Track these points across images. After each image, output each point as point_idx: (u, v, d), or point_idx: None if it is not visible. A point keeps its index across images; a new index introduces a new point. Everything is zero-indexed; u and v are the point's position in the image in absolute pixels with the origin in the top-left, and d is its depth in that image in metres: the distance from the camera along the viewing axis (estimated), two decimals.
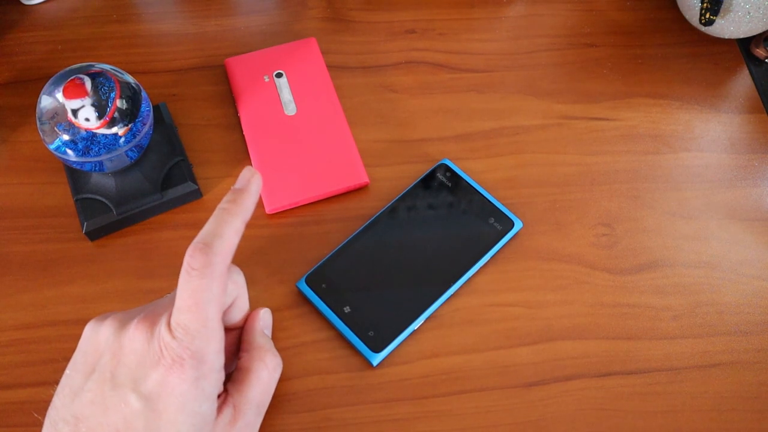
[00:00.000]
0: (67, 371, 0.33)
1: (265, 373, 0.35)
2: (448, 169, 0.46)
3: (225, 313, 0.36)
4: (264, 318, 0.38)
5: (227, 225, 0.33)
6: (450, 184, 0.46)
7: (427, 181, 0.46)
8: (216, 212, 0.33)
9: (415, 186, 0.46)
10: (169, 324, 0.31)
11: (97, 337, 0.33)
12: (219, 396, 0.33)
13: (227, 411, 0.33)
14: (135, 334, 0.32)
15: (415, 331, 0.41)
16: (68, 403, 0.32)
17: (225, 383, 0.34)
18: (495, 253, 0.44)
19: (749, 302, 0.43)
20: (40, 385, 0.39)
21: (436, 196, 0.45)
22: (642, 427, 0.39)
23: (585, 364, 0.41)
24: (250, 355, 0.36)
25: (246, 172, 0.35)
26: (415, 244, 0.43)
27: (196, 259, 0.31)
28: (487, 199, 0.45)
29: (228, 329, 0.37)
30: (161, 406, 0.30)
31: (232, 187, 0.34)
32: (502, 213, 0.44)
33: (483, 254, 0.43)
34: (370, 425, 0.39)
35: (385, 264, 0.42)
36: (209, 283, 0.31)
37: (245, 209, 0.34)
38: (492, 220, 0.44)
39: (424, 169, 0.47)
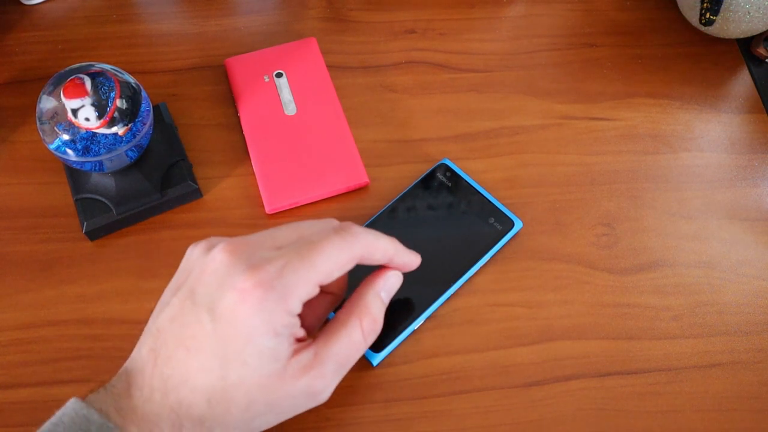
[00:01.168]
0: (165, 290, 0.34)
1: (357, 333, 0.33)
2: (448, 169, 0.46)
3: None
4: (389, 280, 0.36)
5: (385, 242, 0.35)
6: (450, 184, 0.46)
7: (427, 181, 0.46)
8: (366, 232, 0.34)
9: (415, 186, 0.46)
10: (270, 254, 0.31)
11: (190, 256, 0.33)
12: (300, 340, 0.32)
13: (306, 355, 0.32)
14: (221, 254, 0.31)
15: (415, 331, 0.41)
16: (155, 317, 0.32)
17: (318, 334, 0.33)
18: (495, 253, 0.44)
19: (749, 302, 0.43)
20: (40, 385, 0.39)
21: (436, 196, 0.45)
22: (642, 427, 0.39)
23: (585, 364, 0.41)
24: (351, 310, 0.34)
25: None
26: (415, 244, 0.43)
27: (349, 228, 0.33)
28: (487, 199, 0.45)
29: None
30: (230, 332, 0.30)
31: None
32: (502, 213, 0.44)
33: (483, 254, 0.43)
34: (370, 425, 0.39)
35: None
36: (344, 246, 0.32)
37: (399, 252, 0.36)
38: (492, 220, 0.44)
39: (424, 169, 0.47)
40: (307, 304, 0.33)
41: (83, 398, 0.30)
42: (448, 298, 0.42)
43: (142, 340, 0.32)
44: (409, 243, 0.43)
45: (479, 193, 0.45)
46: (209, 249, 0.33)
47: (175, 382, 0.30)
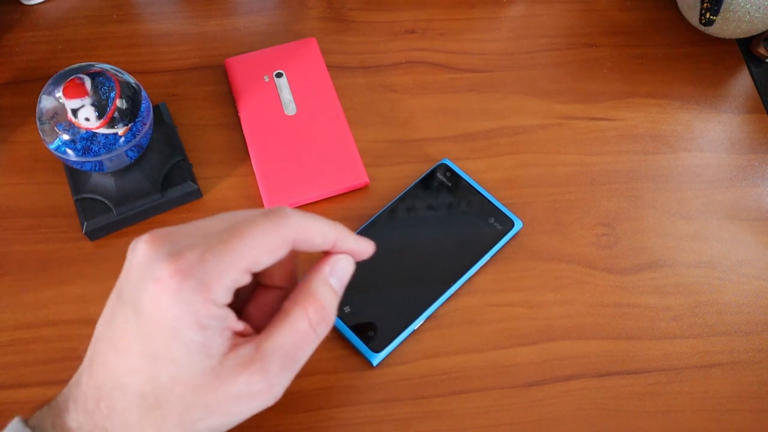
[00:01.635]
0: None
1: (303, 323, 0.30)
2: (448, 169, 0.46)
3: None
4: (338, 264, 0.32)
5: (323, 225, 0.31)
6: (450, 184, 0.46)
7: (427, 181, 0.46)
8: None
9: (415, 186, 0.46)
10: (192, 242, 0.28)
11: (127, 258, 0.30)
12: (241, 334, 0.30)
13: (245, 349, 0.29)
14: (143, 246, 0.29)
15: (415, 331, 0.41)
16: (97, 324, 0.30)
17: (252, 338, 0.30)
18: (495, 253, 0.44)
19: (749, 302, 0.43)
20: (40, 385, 0.39)
21: (436, 196, 0.45)
22: (642, 427, 0.39)
23: (585, 364, 0.41)
24: (296, 299, 0.31)
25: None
26: (415, 244, 0.43)
27: (280, 211, 0.30)
28: (487, 199, 0.45)
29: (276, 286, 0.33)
30: (154, 327, 0.27)
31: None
32: (502, 213, 0.44)
33: (483, 254, 0.43)
34: (370, 425, 0.39)
35: (385, 264, 0.42)
36: (272, 229, 0.29)
37: (341, 236, 0.32)
38: (492, 220, 0.44)
39: (424, 169, 0.47)
40: (253, 301, 0.32)
41: (29, 416, 0.29)
42: (448, 298, 0.42)
43: (88, 350, 0.30)
44: (409, 243, 0.43)
45: (479, 193, 0.45)
46: (136, 243, 0.29)
47: (108, 388, 0.28)
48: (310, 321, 0.30)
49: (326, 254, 0.32)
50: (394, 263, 0.42)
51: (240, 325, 0.30)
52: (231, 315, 0.29)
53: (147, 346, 0.28)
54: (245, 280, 0.29)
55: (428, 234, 0.44)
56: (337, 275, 0.32)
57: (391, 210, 0.45)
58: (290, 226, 0.30)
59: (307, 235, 0.30)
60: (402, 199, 0.45)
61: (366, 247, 0.33)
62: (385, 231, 0.44)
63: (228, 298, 0.28)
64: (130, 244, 0.30)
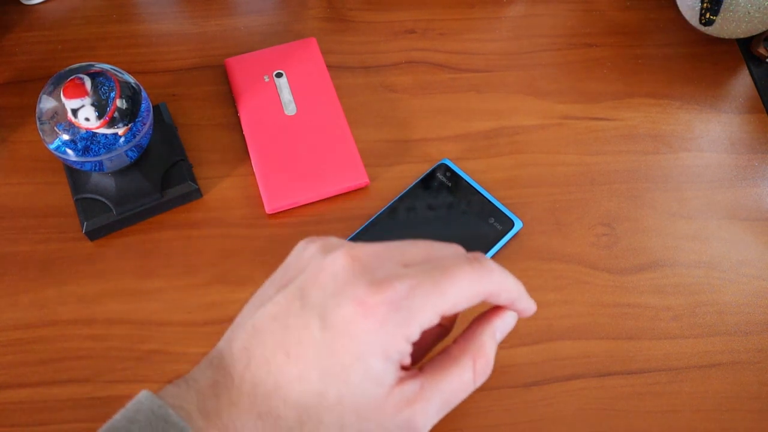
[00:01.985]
0: (265, 283, 0.31)
1: (468, 373, 0.30)
2: (448, 169, 0.46)
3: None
4: (506, 321, 0.33)
5: (514, 284, 0.31)
6: (450, 184, 0.46)
7: (427, 181, 0.46)
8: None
9: (415, 186, 0.46)
10: (399, 271, 0.28)
11: (303, 253, 0.30)
12: (404, 368, 0.29)
13: (411, 386, 0.29)
14: (343, 259, 0.28)
15: None
16: (251, 311, 0.30)
17: (424, 365, 0.31)
18: (495, 253, 0.43)
19: (749, 302, 0.43)
20: (40, 385, 0.39)
21: (436, 196, 0.45)
22: (642, 427, 0.39)
23: (585, 364, 0.41)
24: (465, 347, 0.31)
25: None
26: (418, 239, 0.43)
27: (483, 261, 0.30)
28: (487, 199, 0.45)
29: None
30: (341, 346, 0.27)
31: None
32: (502, 213, 0.44)
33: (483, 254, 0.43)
34: None
35: None
36: (476, 278, 0.29)
37: (524, 299, 0.32)
38: (492, 220, 0.44)
39: (424, 169, 0.47)
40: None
41: (158, 391, 0.28)
42: None
43: (232, 334, 0.29)
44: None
45: (479, 193, 0.45)
46: (328, 250, 0.29)
47: (268, 389, 0.28)
48: (475, 373, 0.31)
49: (496, 306, 0.33)
50: None
51: (408, 359, 0.30)
52: (410, 350, 0.29)
53: (326, 360, 0.27)
54: (437, 321, 0.29)
55: (428, 234, 0.44)
56: (502, 330, 0.33)
57: (391, 210, 0.45)
58: (493, 280, 0.30)
59: (501, 290, 0.31)
60: (402, 199, 0.45)
61: (532, 308, 0.33)
62: (385, 231, 0.44)
63: (418, 335, 0.28)
64: (302, 241, 0.31)
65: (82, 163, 0.39)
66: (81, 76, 0.38)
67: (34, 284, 0.42)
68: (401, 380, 0.29)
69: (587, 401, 0.40)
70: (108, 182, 0.43)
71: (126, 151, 0.40)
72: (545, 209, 0.46)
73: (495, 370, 0.40)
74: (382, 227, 0.44)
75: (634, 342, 0.42)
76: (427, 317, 0.28)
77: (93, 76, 0.39)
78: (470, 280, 0.29)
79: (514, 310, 0.33)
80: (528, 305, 0.33)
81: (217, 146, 0.48)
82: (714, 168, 0.49)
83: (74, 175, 0.44)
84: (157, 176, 0.44)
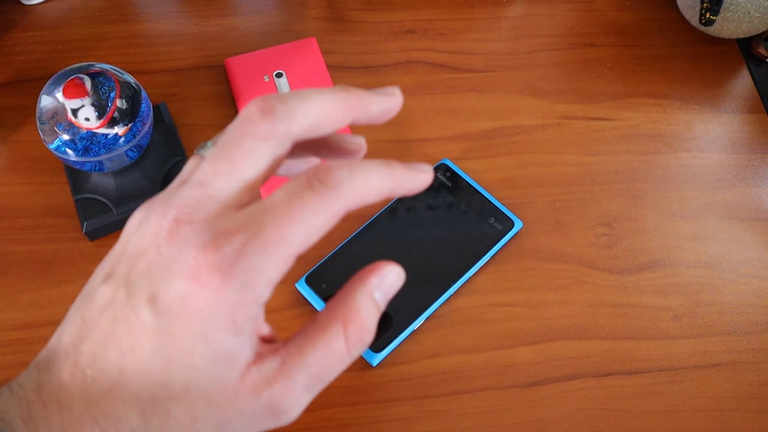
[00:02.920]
0: (96, 269, 0.27)
1: (339, 342, 0.25)
2: (448, 169, 0.46)
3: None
4: (386, 278, 0.27)
5: (379, 177, 0.25)
6: (450, 184, 0.46)
7: None
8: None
9: None
10: (226, 222, 0.24)
11: (129, 227, 0.26)
12: (265, 340, 0.26)
13: (270, 363, 0.25)
14: (167, 237, 0.24)
15: (415, 331, 0.41)
16: (81, 304, 0.26)
17: (289, 337, 0.26)
18: (495, 253, 0.44)
19: (749, 302, 0.43)
20: None
21: (436, 196, 0.45)
22: (642, 427, 0.39)
23: (585, 364, 0.41)
24: (335, 312, 0.26)
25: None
26: (415, 244, 0.43)
27: (332, 174, 0.24)
28: (487, 199, 0.45)
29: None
30: (178, 328, 0.23)
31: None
32: (502, 213, 0.44)
33: (483, 254, 0.43)
34: (370, 425, 0.39)
35: (389, 256, 0.42)
36: (324, 207, 0.24)
37: (399, 182, 0.26)
38: (492, 220, 0.44)
39: None
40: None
41: None
42: (448, 298, 0.42)
43: (62, 329, 0.25)
44: (409, 243, 0.43)
45: (479, 193, 0.45)
46: (147, 216, 0.25)
47: (102, 389, 0.24)
48: (347, 340, 0.25)
49: (375, 264, 0.27)
50: (399, 252, 0.42)
51: (266, 329, 0.26)
52: (262, 314, 0.25)
53: (164, 347, 0.24)
54: (290, 266, 0.24)
55: (428, 234, 0.44)
56: (384, 290, 0.27)
57: (391, 210, 0.45)
58: (344, 197, 0.24)
59: (362, 198, 0.25)
60: (402, 199, 0.45)
61: (424, 178, 0.28)
62: (385, 231, 0.44)
63: (269, 294, 0.24)
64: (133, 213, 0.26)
65: (82, 163, 0.39)
66: (81, 76, 0.38)
67: (34, 284, 0.42)
68: (259, 356, 0.25)
69: (587, 401, 0.40)
70: (108, 182, 0.43)
71: (126, 151, 0.40)
72: (545, 209, 0.46)
73: (495, 370, 0.40)
74: (382, 227, 0.44)
75: (634, 342, 0.42)
76: (275, 271, 0.23)
77: (93, 76, 0.39)
78: (314, 211, 0.23)
79: (401, 195, 0.27)
80: (415, 183, 0.27)
81: None
82: (714, 168, 0.49)
83: (74, 175, 0.44)
84: (157, 176, 0.44)
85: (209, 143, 0.27)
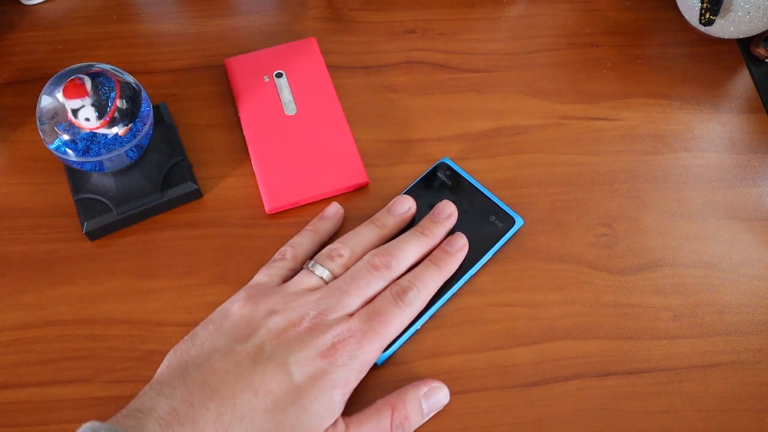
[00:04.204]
0: (208, 324, 0.37)
1: (386, 422, 0.36)
2: (448, 168, 0.46)
3: None
4: (435, 394, 0.38)
5: (438, 279, 0.41)
6: (450, 183, 0.46)
7: (428, 181, 0.46)
8: (436, 265, 0.41)
9: (416, 185, 0.46)
10: (348, 321, 0.36)
11: (253, 309, 0.37)
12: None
13: (341, 425, 0.35)
14: (310, 327, 0.36)
15: (416, 330, 0.41)
16: (203, 348, 0.35)
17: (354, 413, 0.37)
18: (496, 251, 0.43)
19: (749, 302, 0.43)
20: (40, 385, 0.39)
21: (437, 195, 0.45)
22: (642, 427, 0.39)
23: (585, 364, 0.41)
24: (389, 400, 0.37)
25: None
26: None
27: (408, 296, 0.38)
28: (487, 196, 0.45)
29: None
30: (308, 386, 0.34)
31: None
32: (503, 210, 0.44)
33: (485, 252, 0.43)
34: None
35: None
36: (406, 317, 0.38)
37: (447, 275, 0.41)
38: (493, 218, 0.44)
39: (424, 169, 0.47)
40: None
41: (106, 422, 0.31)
42: (450, 298, 0.42)
43: (184, 372, 0.34)
44: None
45: (479, 191, 0.45)
46: (286, 310, 0.37)
47: (233, 420, 0.32)
48: (392, 422, 0.36)
49: (428, 380, 0.39)
50: None
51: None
52: None
53: (293, 397, 0.34)
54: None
55: None
56: (430, 402, 0.38)
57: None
58: (417, 308, 0.39)
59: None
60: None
61: (462, 256, 0.43)
62: None
63: (364, 375, 0.37)
64: (238, 304, 0.38)
65: (82, 163, 0.39)
66: (81, 76, 0.38)
67: (34, 284, 0.42)
68: (334, 423, 0.35)
69: (587, 401, 0.40)
70: (108, 182, 0.43)
71: (126, 151, 0.40)
72: (545, 209, 0.46)
73: (495, 370, 0.40)
74: None
75: (634, 342, 0.42)
76: (374, 357, 0.37)
77: (93, 76, 0.39)
78: (400, 320, 0.38)
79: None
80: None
81: (217, 146, 0.48)
82: (714, 168, 0.49)
83: (74, 175, 0.44)
84: (157, 176, 0.44)
85: (321, 267, 0.40)
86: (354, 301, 0.38)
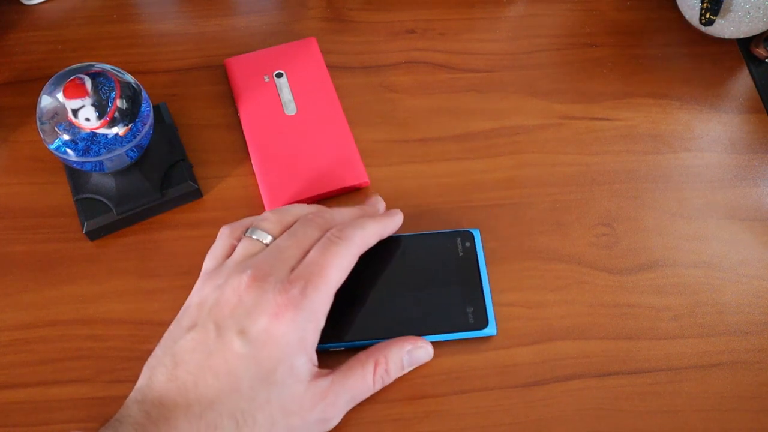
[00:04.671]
0: (171, 326, 0.35)
1: (369, 378, 0.37)
2: (470, 239, 0.43)
3: None
4: (417, 352, 0.39)
5: (373, 227, 0.38)
6: (461, 254, 0.43)
7: (445, 237, 0.43)
8: (368, 216, 0.40)
9: (432, 235, 0.43)
10: (288, 277, 0.34)
11: (201, 292, 0.36)
12: (319, 366, 0.35)
13: (323, 382, 0.34)
14: (248, 289, 0.34)
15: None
16: (167, 349, 0.34)
17: (327, 372, 0.36)
18: (449, 340, 0.41)
19: (749, 302, 0.43)
20: (40, 385, 0.39)
21: (441, 253, 0.43)
22: (642, 427, 0.39)
23: (585, 364, 0.41)
24: (372, 353, 0.37)
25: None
26: (395, 280, 0.41)
27: (344, 232, 0.36)
28: (482, 291, 0.41)
29: None
30: (264, 353, 0.32)
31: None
32: (485, 312, 0.41)
33: (439, 332, 0.40)
34: (370, 425, 0.39)
35: (364, 279, 0.41)
36: (346, 253, 0.36)
37: (386, 227, 0.40)
38: (470, 311, 0.41)
39: (424, 169, 0.47)
40: None
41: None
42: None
43: (151, 373, 0.33)
44: (393, 276, 0.41)
45: (480, 283, 0.42)
46: (224, 280, 0.35)
47: (203, 408, 0.32)
48: (374, 377, 0.37)
49: (414, 337, 0.39)
50: (370, 281, 0.41)
51: (315, 359, 0.36)
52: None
53: (253, 369, 0.32)
54: (332, 300, 0.36)
55: (412, 279, 0.42)
56: (412, 357, 0.38)
57: (397, 239, 0.43)
58: (356, 245, 0.37)
59: (366, 245, 0.38)
60: (413, 237, 0.43)
61: (399, 219, 0.42)
62: (381, 252, 0.42)
63: (324, 322, 0.35)
64: (199, 282, 0.37)
65: (83, 163, 0.40)
66: (81, 76, 0.38)
67: (34, 284, 0.42)
68: (315, 376, 0.34)
69: (587, 401, 0.40)
70: (108, 182, 0.43)
71: (126, 151, 0.40)
72: (545, 209, 0.46)
73: (495, 370, 0.40)
74: (380, 246, 0.41)
75: (634, 342, 0.42)
76: (326, 304, 0.35)
77: (93, 76, 0.39)
78: (341, 257, 0.36)
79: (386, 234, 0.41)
80: (393, 226, 0.41)
81: (217, 146, 0.48)
82: (714, 168, 0.49)
83: (74, 175, 0.44)
84: (157, 176, 0.44)
85: (259, 231, 0.38)
86: (293, 253, 0.36)
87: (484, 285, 0.42)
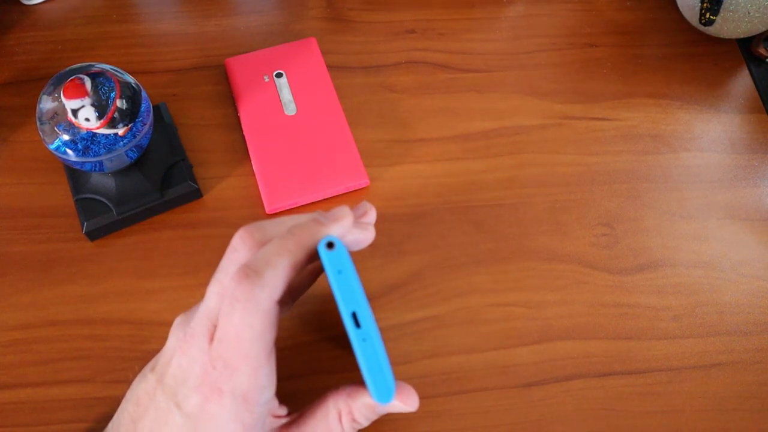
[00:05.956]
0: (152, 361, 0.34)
1: (334, 419, 0.32)
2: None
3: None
4: (358, 402, 0.33)
5: (285, 255, 0.29)
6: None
7: None
8: (280, 236, 0.29)
9: None
10: (209, 349, 0.29)
11: (170, 339, 0.32)
12: (278, 418, 0.32)
13: None
14: (183, 347, 0.30)
15: (415, 331, 0.41)
16: (134, 386, 0.32)
17: (289, 423, 0.32)
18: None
19: (749, 302, 0.43)
20: (40, 385, 0.39)
21: None
22: (642, 427, 0.39)
23: (585, 364, 0.41)
24: (336, 398, 0.33)
25: (362, 205, 0.33)
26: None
27: (239, 289, 0.28)
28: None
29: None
30: (201, 427, 0.29)
31: (319, 211, 0.31)
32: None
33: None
34: (370, 425, 0.38)
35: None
36: (251, 319, 0.28)
37: (313, 240, 0.29)
38: None
39: (424, 169, 0.47)
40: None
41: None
42: (448, 299, 0.42)
43: (126, 404, 0.32)
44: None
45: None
46: (180, 323, 0.32)
47: None
48: (343, 428, 0.32)
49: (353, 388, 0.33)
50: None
51: (283, 410, 0.32)
52: (274, 402, 0.32)
53: None
54: (274, 334, 0.29)
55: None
56: (366, 414, 0.33)
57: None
58: (267, 289, 0.28)
59: (284, 278, 0.29)
60: None
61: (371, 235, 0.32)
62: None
63: (267, 395, 0.30)
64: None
65: (82, 163, 0.39)
66: (81, 76, 0.38)
67: (34, 284, 0.42)
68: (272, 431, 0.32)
69: (587, 401, 0.40)
70: (108, 182, 0.43)
71: (126, 151, 0.40)
72: (545, 209, 0.46)
73: (495, 370, 0.40)
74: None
75: (634, 342, 0.42)
76: (252, 383, 0.29)
77: (93, 76, 0.39)
78: (248, 320, 0.28)
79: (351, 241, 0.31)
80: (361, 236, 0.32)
81: (217, 146, 0.48)
82: (714, 168, 0.49)
83: (74, 175, 0.44)
84: (157, 176, 0.44)
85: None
86: (214, 304, 0.31)
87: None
